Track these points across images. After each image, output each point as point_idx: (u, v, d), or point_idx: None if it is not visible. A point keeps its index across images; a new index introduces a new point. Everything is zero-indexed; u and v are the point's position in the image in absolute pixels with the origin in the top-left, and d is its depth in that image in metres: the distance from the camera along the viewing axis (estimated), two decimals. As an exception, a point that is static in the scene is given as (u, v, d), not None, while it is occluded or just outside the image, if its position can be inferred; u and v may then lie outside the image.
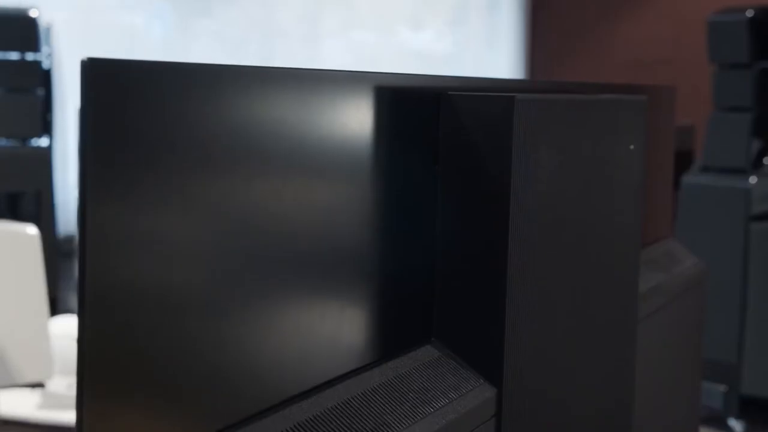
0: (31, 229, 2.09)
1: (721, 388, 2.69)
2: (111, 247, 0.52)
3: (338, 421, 0.68)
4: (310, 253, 0.69)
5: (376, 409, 0.71)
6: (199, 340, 0.58)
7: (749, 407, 2.71)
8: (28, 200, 3.84)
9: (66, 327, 3.08)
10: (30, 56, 3.61)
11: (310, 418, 0.66)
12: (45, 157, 3.77)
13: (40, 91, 3.72)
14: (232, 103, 0.61)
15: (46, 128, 3.82)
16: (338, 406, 0.69)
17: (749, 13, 2.71)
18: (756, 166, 2.74)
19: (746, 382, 2.68)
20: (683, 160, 2.86)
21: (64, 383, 3.17)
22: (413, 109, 0.81)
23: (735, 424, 2.69)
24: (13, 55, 3.58)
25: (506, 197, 0.81)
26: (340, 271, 0.73)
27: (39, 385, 3.17)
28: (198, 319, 0.58)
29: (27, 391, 3.25)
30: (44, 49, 3.64)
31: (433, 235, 0.83)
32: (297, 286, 0.68)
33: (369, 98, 0.75)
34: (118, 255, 0.53)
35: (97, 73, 0.51)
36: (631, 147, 1.08)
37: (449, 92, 0.83)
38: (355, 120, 0.74)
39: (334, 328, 0.72)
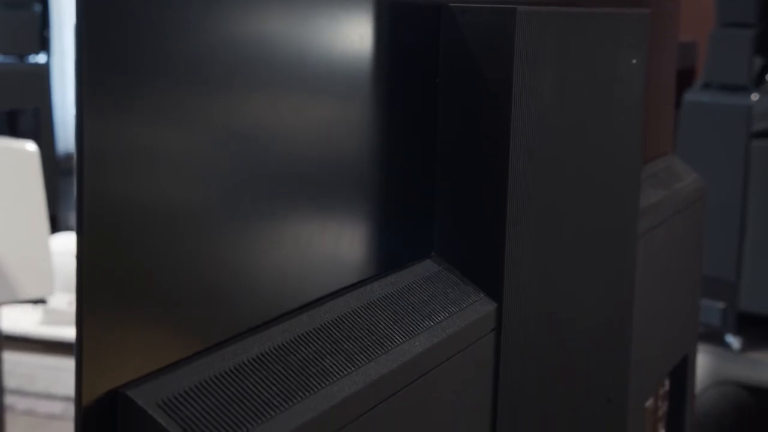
0: (30, 146, 2.09)
1: (719, 304, 2.70)
2: (109, 163, 0.52)
3: (338, 334, 0.68)
4: (309, 168, 0.69)
5: (376, 322, 0.72)
6: (197, 254, 0.58)
7: (746, 324, 2.73)
8: (26, 117, 3.83)
9: (67, 244, 3.09)
10: (26, -29, 3.57)
11: (310, 331, 0.66)
12: (43, 74, 3.76)
13: (37, 7, 3.69)
14: (231, 16, 0.60)
15: (44, 45, 3.80)
16: (338, 319, 0.69)
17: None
18: (758, 83, 2.72)
19: (744, 299, 2.69)
20: (685, 78, 2.84)
21: (65, 300, 3.19)
22: (414, 21, 0.80)
23: (732, 340, 2.71)
24: (9, -30, 3.55)
25: (507, 111, 0.81)
26: (340, 186, 0.73)
27: (40, 301, 3.20)
28: (197, 234, 0.58)
29: (29, 308, 3.28)
30: (40, -36, 3.61)
31: (434, 150, 0.83)
32: (296, 201, 0.68)
33: (369, 10, 0.75)
34: (115, 171, 0.52)
35: (93, -18, 0.50)
36: (633, 61, 1.07)
37: (450, 4, 0.82)
38: (355, 33, 0.73)
39: (333, 242, 0.72)
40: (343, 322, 0.69)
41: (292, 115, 0.67)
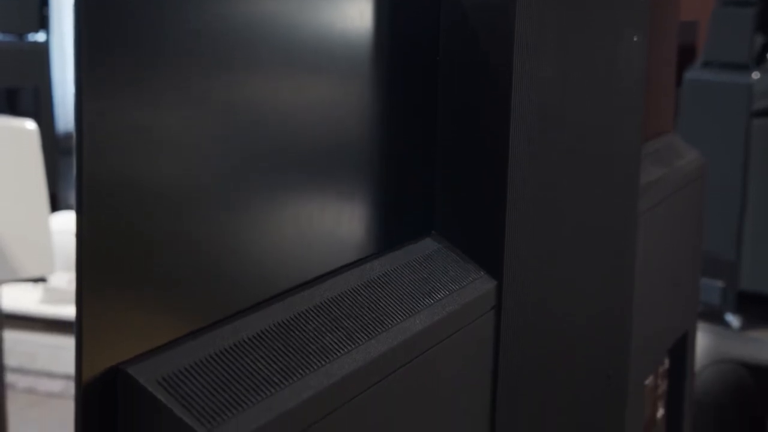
0: (30, 124, 2.09)
1: (719, 283, 2.71)
2: (108, 142, 0.52)
3: (338, 312, 0.68)
4: (310, 147, 0.69)
5: (376, 300, 0.72)
6: (197, 232, 0.58)
7: (746, 302, 2.73)
8: (26, 96, 3.83)
9: (67, 222, 3.09)
10: (25, -51, 3.56)
11: (311, 309, 0.66)
12: (42, 53, 3.75)
13: (36, -15, 3.68)
14: (230, -8, 0.60)
15: (43, 23, 3.79)
16: (338, 297, 0.69)
17: None
18: (758, 61, 2.72)
19: (744, 278, 2.69)
20: (686, 56, 2.83)
21: (65, 278, 3.20)
22: (415, 2, 0.80)
23: (732, 319, 2.71)
24: (8, -52, 3.54)
25: (508, 92, 0.81)
26: (340, 165, 0.73)
27: (41, 280, 3.20)
28: (196, 212, 0.58)
29: (29, 286, 3.28)
30: (39, -59, 3.60)
31: (435, 128, 0.83)
32: (297, 180, 0.68)
33: (369, -12, 0.74)
34: (115, 150, 0.52)
35: (91, -41, 0.50)
36: (635, 39, 1.07)
37: (450, -18, 0.82)
38: (356, 10, 0.73)
39: (333, 220, 0.72)
40: (344, 300, 0.69)
41: (292, 95, 0.66)
